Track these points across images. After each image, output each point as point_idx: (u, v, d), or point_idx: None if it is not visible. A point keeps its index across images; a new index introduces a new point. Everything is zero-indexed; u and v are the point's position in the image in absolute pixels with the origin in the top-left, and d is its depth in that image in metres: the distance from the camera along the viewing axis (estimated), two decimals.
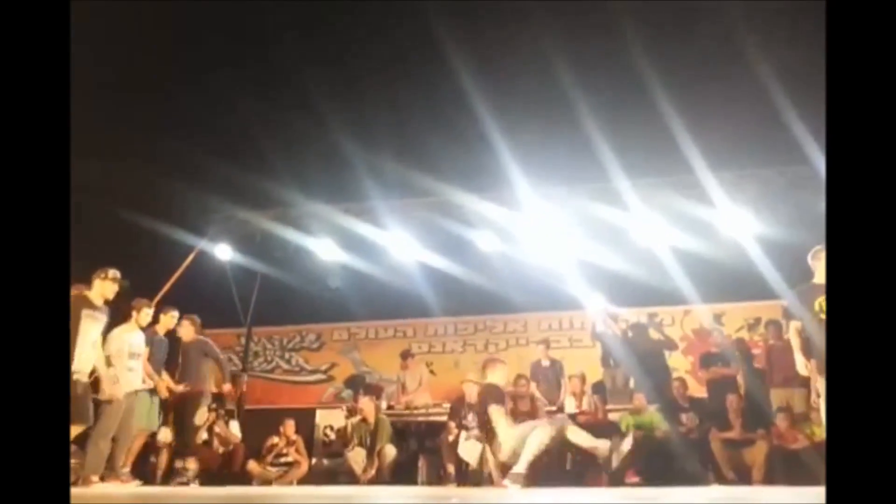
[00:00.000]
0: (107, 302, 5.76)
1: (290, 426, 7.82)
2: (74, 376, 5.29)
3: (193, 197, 10.13)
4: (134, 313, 6.41)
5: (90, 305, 5.54)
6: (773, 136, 8.22)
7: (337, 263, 10.47)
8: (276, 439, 7.74)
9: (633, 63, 8.72)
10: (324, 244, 10.27)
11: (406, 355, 9.41)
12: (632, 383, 8.16)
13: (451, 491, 5.39)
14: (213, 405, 8.02)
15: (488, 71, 9.57)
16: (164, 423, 7.41)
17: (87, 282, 5.66)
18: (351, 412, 7.89)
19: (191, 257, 9.80)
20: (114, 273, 5.69)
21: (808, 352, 5.30)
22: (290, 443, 7.74)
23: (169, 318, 7.03)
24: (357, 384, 10.42)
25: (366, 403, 7.94)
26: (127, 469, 6.28)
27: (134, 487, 5.90)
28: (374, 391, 9.57)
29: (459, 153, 10.15)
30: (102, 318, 5.71)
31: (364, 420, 7.73)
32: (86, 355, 5.50)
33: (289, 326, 11.42)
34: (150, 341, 6.71)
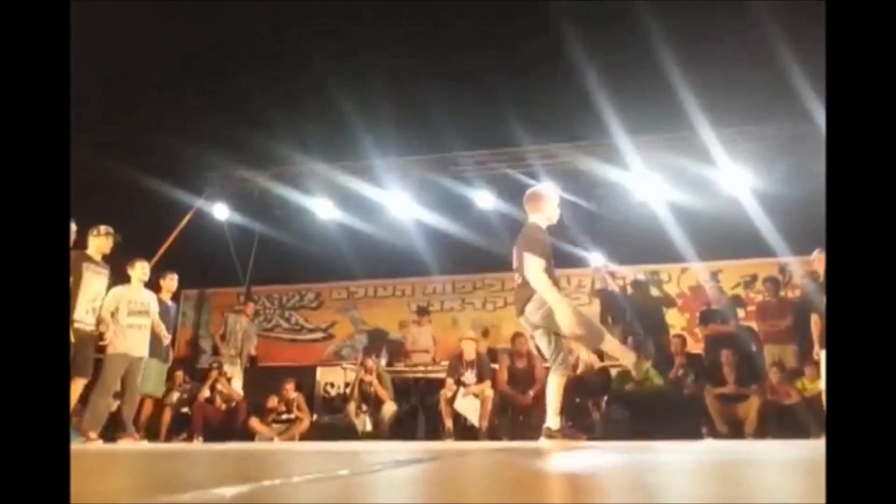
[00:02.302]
0: (104, 257, 5.88)
1: (289, 388, 7.89)
2: (76, 325, 5.45)
3: (190, 155, 10.06)
4: (129, 271, 6.42)
5: (90, 261, 5.70)
6: (771, 92, 8.14)
7: (335, 222, 10.48)
8: (275, 400, 7.82)
9: (633, 20, 8.57)
10: (322, 203, 10.26)
11: (422, 312, 9.47)
12: (630, 340, 8.25)
13: (449, 445, 5.49)
14: (215, 363, 8.13)
15: (488, 27, 9.42)
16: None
17: (82, 239, 5.76)
18: (365, 369, 7.96)
19: (188, 216, 9.79)
20: (106, 228, 5.83)
21: None
22: (290, 401, 7.84)
23: (169, 282, 7.07)
24: (376, 340, 10.45)
25: (370, 360, 8.07)
26: (141, 433, 6.41)
27: (143, 444, 6.03)
28: (374, 349, 9.68)
29: (458, 111, 10.05)
30: (104, 273, 5.87)
31: (366, 376, 7.85)
32: (87, 307, 5.64)
33: (288, 285, 11.47)
34: (160, 307, 6.74)
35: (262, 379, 8.60)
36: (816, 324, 6.02)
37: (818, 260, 5.97)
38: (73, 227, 5.48)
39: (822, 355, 5.75)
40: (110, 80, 9.54)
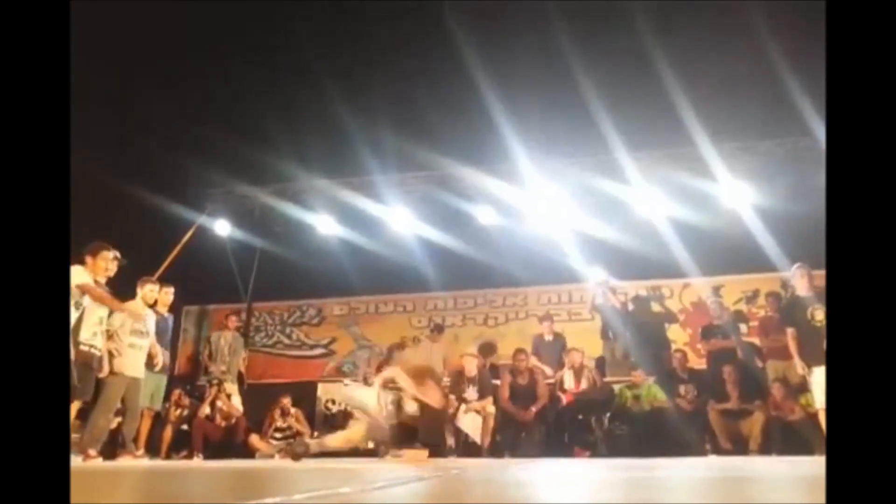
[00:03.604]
0: (108, 280, 5.86)
1: (285, 402, 7.83)
2: (80, 347, 5.45)
3: (192, 172, 10.10)
4: (138, 290, 6.45)
5: (95, 284, 5.67)
6: (772, 108, 8.18)
7: (336, 237, 10.49)
8: (274, 416, 7.76)
9: (634, 36, 8.63)
10: (323, 219, 10.28)
11: (438, 329, 9.42)
12: (631, 356, 8.22)
13: (451, 462, 5.46)
14: (215, 380, 8.10)
15: (488, 44, 9.48)
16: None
17: (83, 259, 5.72)
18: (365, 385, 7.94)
19: (190, 233, 9.80)
20: (113, 253, 5.81)
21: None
22: (286, 415, 7.78)
23: (164, 295, 7.06)
24: (377, 356, 10.34)
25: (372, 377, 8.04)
26: (141, 451, 6.38)
27: (143, 462, 6.00)
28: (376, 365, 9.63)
29: (459, 127, 10.09)
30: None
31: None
32: (93, 330, 5.64)
33: (289, 301, 11.46)
34: (156, 321, 6.74)
35: (262, 395, 8.57)
36: (794, 337, 5.99)
37: (799, 275, 5.96)
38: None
39: (808, 370, 5.71)
40: (113, 97, 9.60)
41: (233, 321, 8.92)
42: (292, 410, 7.82)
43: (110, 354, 5.96)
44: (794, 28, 7.46)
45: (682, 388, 7.53)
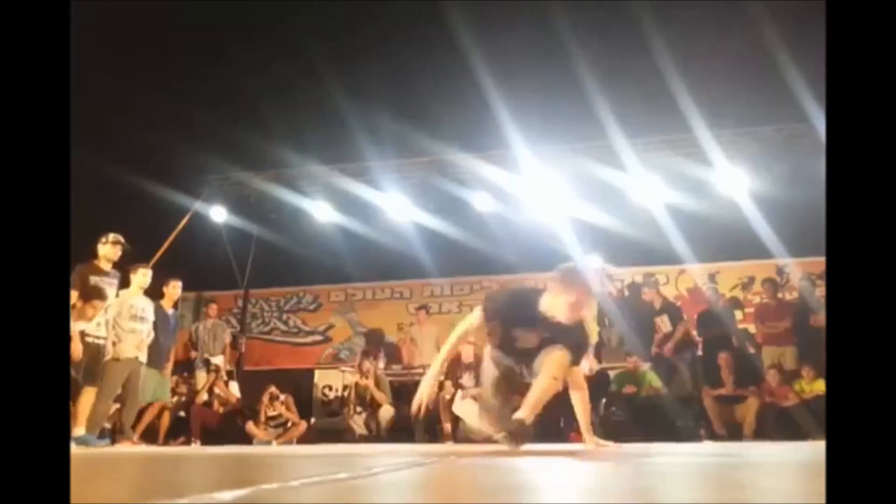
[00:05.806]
0: (114, 265, 5.89)
1: (272, 391, 7.81)
2: (87, 338, 5.49)
3: (187, 158, 10.05)
4: (131, 275, 6.44)
5: (98, 272, 5.69)
6: (770, 94, 8.15)
7: (333, 224, 10.47)
8: (264, 404, 7.75)
9: (631, 21, 8.58)
10: (319, 205, 10.26)
11: (424, 308, 9.43)
12: (626, 342, 8.24)
13: (447, 448, 5.48)
14: (213, 367, 8.12)
15: (485, 29, 9.42)
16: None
17: (79, 243, 5.73)
18: (361, 372, 7.98)
19: (185, 219, 9.78)
20: (115, 237, 5.83)
21: None
22: (275, 400, 7.76)
23: (172, 289, 7.06)
24: (374, 341, 10.41)
25: (367, 363, 8.08)
26: (136, 435, 6.41)
27: (141, 448, 6.03)
28: (372, 351, 9.65)
29: (456, 113, 10.05)
30: (114, 283, 5.88)
31: (364, 379, 7.85)
32: (97, 320, 5.67)
33: (286, 288, 11.45)
34: (159, 315, 6.73)
35: (259, 382, 8.60)
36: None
37: None
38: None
39: None
40: (107, 82, 9.52)
41: (213, 309, 8.95)
42: (281, 397, 7.80)
43: (114, 338, 6.00)
44: (793, 12, 7.43)
45: (664, 348, 7.52)
